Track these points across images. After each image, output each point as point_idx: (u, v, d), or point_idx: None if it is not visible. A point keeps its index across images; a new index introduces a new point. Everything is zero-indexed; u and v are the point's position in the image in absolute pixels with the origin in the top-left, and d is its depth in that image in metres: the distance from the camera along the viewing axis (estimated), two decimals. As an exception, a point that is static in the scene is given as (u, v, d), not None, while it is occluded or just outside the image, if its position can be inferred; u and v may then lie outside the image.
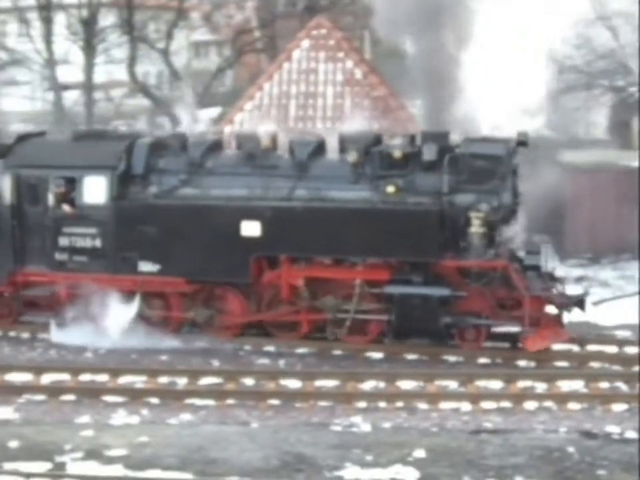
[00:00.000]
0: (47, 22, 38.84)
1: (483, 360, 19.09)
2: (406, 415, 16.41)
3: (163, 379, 18.27)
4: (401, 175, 19.01)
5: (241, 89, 38.12)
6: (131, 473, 14.25)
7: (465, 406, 16.75)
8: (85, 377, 18.42)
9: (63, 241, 20.37)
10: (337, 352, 19.69)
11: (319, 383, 17.75)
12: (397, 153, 18.98)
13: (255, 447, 14.93)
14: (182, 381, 18.16)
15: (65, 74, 39.58)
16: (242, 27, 44.72)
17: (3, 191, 20.69)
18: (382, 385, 17.66)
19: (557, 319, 19.09)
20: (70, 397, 17.50)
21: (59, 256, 20.44)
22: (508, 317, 18.91)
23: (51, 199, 20.36)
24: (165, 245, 19.82)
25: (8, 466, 14.62)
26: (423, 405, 16.80)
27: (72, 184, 20.30)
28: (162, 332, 20.10)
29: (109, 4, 39.65)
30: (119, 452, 14.98)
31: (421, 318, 18.71)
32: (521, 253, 19.53)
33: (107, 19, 40.02)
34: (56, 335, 20.50)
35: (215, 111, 37.24)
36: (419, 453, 14.54)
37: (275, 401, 17.04)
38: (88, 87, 38.99)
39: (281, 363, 19.18)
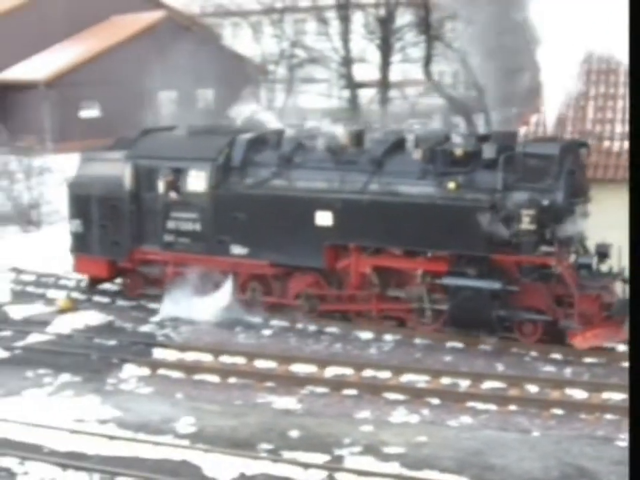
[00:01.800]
0: (345, 21, 39.49)
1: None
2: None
3: (446, 380, 18.04)
4: (462, 172, 19.86)
5: (536, 89, 37.15)
6: (406, 472, 14.13)
7: None
8: (368, 373, 18.50)
9: (171, 224, 22.75)
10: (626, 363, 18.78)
11: (606, 394, 16.95)
12: (459, 151, 19.94)
13: (534, 456, 14.45)
14: (464, 383, 17.86)
15: (361, 72, 40.12)
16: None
17: (124, 179, 23.20)
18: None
19: (617, 318, 18.93)
20: (352, 392, 17.60)
21: (167, 237, 22.85)
22: (563, 313, 19.08)
23: (161, 187, 22.73)
24: (253, 231, 21.81)
25: (287, 455, 14.88)
26: None
27: (179, 174, 22.55)
28: (257, 310, 21.96)
29: (406, 3, 39.81)
30: (397, 450, 14.92)
31: (473, 309, 19.47)
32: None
33: (404, 17, 40.19)
34: (165, 308, 22.42)
35: (510, 112, 36.53)
36: None
37: (558, 411, 16.41)
38: (383, 85, 39.34)
39: (567, 371, 18.47)
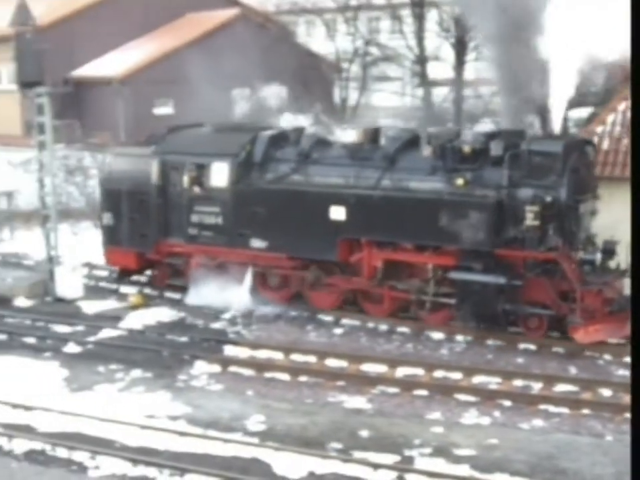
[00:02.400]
0: (419, 19, 39.23)
1: None
2: None
3: (517, 382, 17.85)
4: (471, 168, 20.32)
5: (613, 89, 36.64)
6: (477, 475, 14.00)
7: None
8: (439, 374, 18.38)
9: (194, 218, 23.43)
10: None
11: (683, 399, 16.60)
12: (467, 149, 20.35)
13: (607, 461, 14.25)
14: (537, 386, 17.65)
15: (435, 70, 39.85)
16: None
17: (152, 174, 23.95)
18: None
19: (621, 314, 19.12)
20: (422, 392, 17.49)
21: (191, 230, 23.50)
22: (568, 308, 19.36)
23: (185, 182, 23.41)
24: (271, 225, 22.40)
25: (357, 454, 14.83)
26: None
27: (202, 169, 23.22)
28: (276, 300, 22.85)
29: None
30: (468, 452, 14.80)
31: (479, 303, 19.92)
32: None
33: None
34: (190, 298, 23.36)
35: (585, 111, 36.07)
36: None
37: (632, 415, 16.13)
38: (457, 84, 39.02)
39: (642, 374, 18.13)
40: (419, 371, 18.52)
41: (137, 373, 18.90)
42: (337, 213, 21.55)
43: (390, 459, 14.69)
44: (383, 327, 21.35)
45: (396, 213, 20.91)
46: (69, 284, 24.29)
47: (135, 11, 39.49)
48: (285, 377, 18.54)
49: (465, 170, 20.33)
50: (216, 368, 19.09)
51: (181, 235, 23.70)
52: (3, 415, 16.76)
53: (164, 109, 36.03)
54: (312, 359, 19.44)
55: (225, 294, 22.71)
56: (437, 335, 20.59)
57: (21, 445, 15.51)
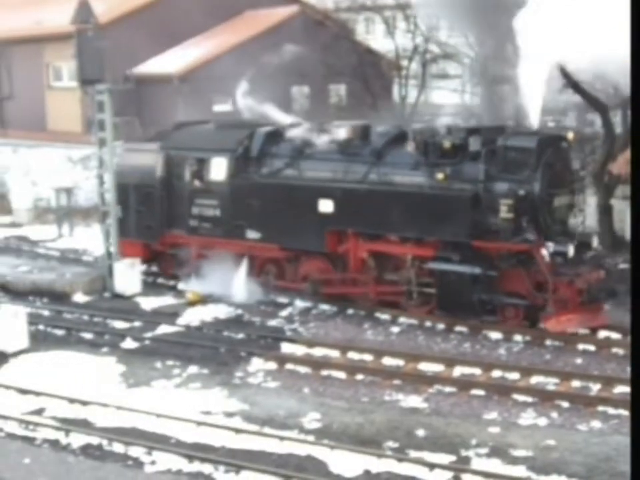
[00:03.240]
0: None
1: None
2: None
3: (576, 383, 17.63)
4: (450, 163, 20.97)
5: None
6: (534, 476, 13.85)
7: None
8: (496, 373, 18.22)
9: (195, 210, 24.42)
10: None
11: None
12: (447, 144, 21.02)
13: (668, 465, 13.95)
14: (595, 387, 17.43)
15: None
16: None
17: (157, 168, 24.98)
18: None
19: (595, 304, 20.22)
20: (479, 392, 17.34)
21: (192, 222, 24.52)
22: (542, 298, 19.94)
23: (187, 175, 24.48)
24: (265, 217, 23.33)
25: (413, 454, 14.75)
26: None
27: (202, 163, 24.25)
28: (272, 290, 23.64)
29: None
30: (524, 453, 14.66)
31: (457, 292, 20.55)
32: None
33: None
34: (192, 287, 24.05)
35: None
36: None
37: (695, 418, 15.85)
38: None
39: None
40: (476, 371, 18.37)
41: (193, 369, 18.97)
42: (325, 205, 22.40)
43: (446, 458, 14.56)
44: (440, 326, 21.22)
45: (381, 206, 21.72)
46: (127, 280, 24.48)
47: (194, 8, 39.62)
48: (341, 375, 18.50)
49: (445, 165, 21.02)
50: (272, 365, 19.10)
51: (183, 227, 24.72)
52: (60, 410, 16.92)
53: (223, 106, 36.12)
54: (368, 357, 19.38)
55: (225, 283, 23.45)
56: (495, 335, 20.41)
57: (77, 440, 15.62)
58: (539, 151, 20.32)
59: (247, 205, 23.56)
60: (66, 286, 24.81)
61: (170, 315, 22.60)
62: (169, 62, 40.04)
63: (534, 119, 20.82)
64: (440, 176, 20.89)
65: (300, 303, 23.07)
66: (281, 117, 25.17)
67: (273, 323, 21.94)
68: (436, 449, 14.95)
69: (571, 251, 20.27)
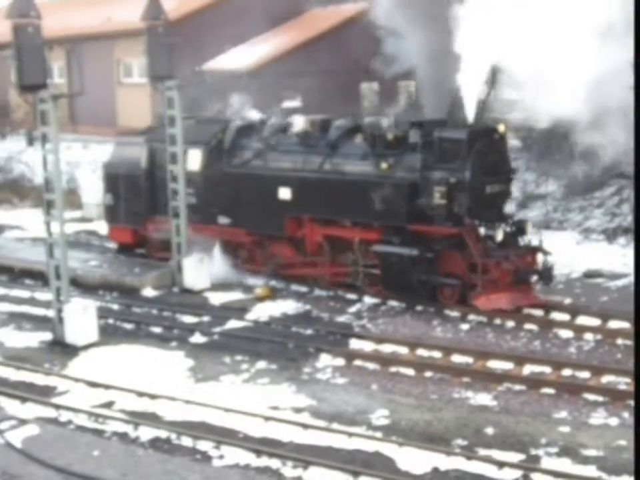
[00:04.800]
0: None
1: None
2: None
3: (648, 382, 17.32)
4: (394, 154, 22.73)
5: None
6: (605, 477, 13.65)
7: None
8: (567, 372, 17.97)
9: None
10: None
11: None
12: (390, 136, 22.82)
13: None
14: (668, 387, 17.10)
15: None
16: None
17: (142, 159, 27.13)
18: None
19: (525, 285, 21.71)
20: (549, 391, 17.12)
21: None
22: (475, 278, 21.38)
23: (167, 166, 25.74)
24: (234, 204, 25.35)
25: (482, 452, 14.62)
26: None
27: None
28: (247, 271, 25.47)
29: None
30: (595, 453, 14.46)
31: (398, 273, 22.21)
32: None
33: None
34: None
35: None
36: None
37: None
38: None
39: None
40: (546, 369, 18.14)
41: (261, 364, 19.00)
42: (284, 193, 24.29)
43: (515, 457, 14.42)
44: (510, 324, 21.01)
45: (333, 193, 23.57)
46: (196, 275, 24.61)
47: (262, 5, 39.76)
48: (409, 371, 18.39)
49: (389, 155, 22.76)
50: (340, 361, 19.04)
51: (165, 213, 25.92)
52: (129, 403, 17.06)
53: (292, 103, 36.20)
54: (437, 354, 19.23)
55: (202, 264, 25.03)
56: (565, 333, 20.13)
57: (146, 433, 15.74)
58: (470, 141, 21.72)
59: (218, 193, 25.58)
60: (135, 280, 25.03)
61: (239, 310, 22.66)
62: (238, 58, 40.17)
63: (470, 113, 22.31)
64: (384, 165, 22.64)
65: (369, 300, 23.01)
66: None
67: (341, 319, 21.90)
68: (505, 447, 14.80)
69: (499, 235, 21.80)
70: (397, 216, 22.40)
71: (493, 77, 40.95)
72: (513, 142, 32.42)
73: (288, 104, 36.47)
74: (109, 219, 28.48)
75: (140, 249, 28.11)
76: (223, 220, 25.69)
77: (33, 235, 31.74)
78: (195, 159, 26.02)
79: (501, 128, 22.25)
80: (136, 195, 27.21)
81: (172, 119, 24.66)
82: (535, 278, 22.03)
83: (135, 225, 27.54)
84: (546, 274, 22.04)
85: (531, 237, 22.42)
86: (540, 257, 22.21)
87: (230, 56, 40.75)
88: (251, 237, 25.31)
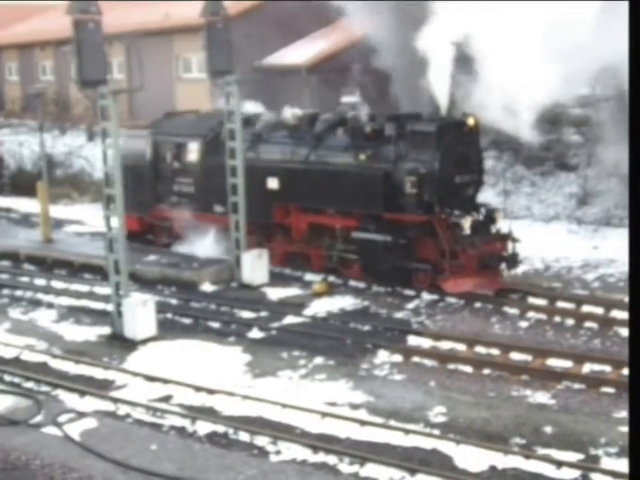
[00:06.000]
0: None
1: None
2: None
3: None
4: (372, 146, 24.10)
5: None
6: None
7: None
8: (627, 371, 17.71)
9: (175, 188, 28.19)
10: None
11: None
12: (368, 129, 24.32)
13: None
14: None
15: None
16: None
17: (147, 151, 28.70)
18: None
19: (490, 270, 22.87)
20: (609, 390, 16.88)
21: (173, 198, 28.19)
22: (445, 264, 22.52)
23: (169, 158, 28.15)
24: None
25: (540, 451, 14.47)
26: None
27: (181, 147, 27.99)
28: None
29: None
30: (655, 454, 14.16)
31: (374, 259, 23.62)
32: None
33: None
34: (176, 248, 27.76)
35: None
36: None
37: None
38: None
39: None
40: (606, 368, 17.88)
41: (319, 360, 18.97)
42: (272, 183, 25.65)
43: (574, 457, 14.21)
44: (570, 322, 20.77)
45: (317, 183, 24.86)
46: (254, 270, 24.66)
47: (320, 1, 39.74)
48: (467, 369, 18.26)
49: (368, 147, 24.10)
50: (398, 358, 18.96)
51: (167, 202, 28.23)
52: (186, 397, 17.12)
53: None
54: (495, 351, 19.07)
55: (199, 247, 26.86)
56: (626, 332, 19.86)
57: (203, 428, 15.78)
58: (439, 134, 22.93)
59: (214, 183, 26.68)
60: (193, 275, 25.13)
61: (296, 306, 22.66)
62: (297, 53, 40.18)
63: (443, 107, 23.53)
64: (362, 157, 23.98)
65: (427, 296, 22.90)
66: None
67: (399, 315, 21.80)
68: (564, 447, 14.60)
69: (467, 222, 22.66)
70: (373, 204, 23.73)
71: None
72: (574, 137, 32.17)
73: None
74: None
75: (147, 235, 29.68)
76: (218, 208, 26.88)
77: (92, 229, 32.03)
78: (193, 151, 27.77)
79: (470, 121, 23.08)
80: (141, 185, 28.44)
81: (231, 114, 24.71)
82: (504, 264, 23.24)
83: (141, 213, 28.91)
84: (512, 260, 23.14)
85: (501, 225, 23.61)
86: (510, 244, 23.38)
87: (289, 51, 40.77)
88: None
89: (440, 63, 22.96)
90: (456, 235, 22.67)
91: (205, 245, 26.96)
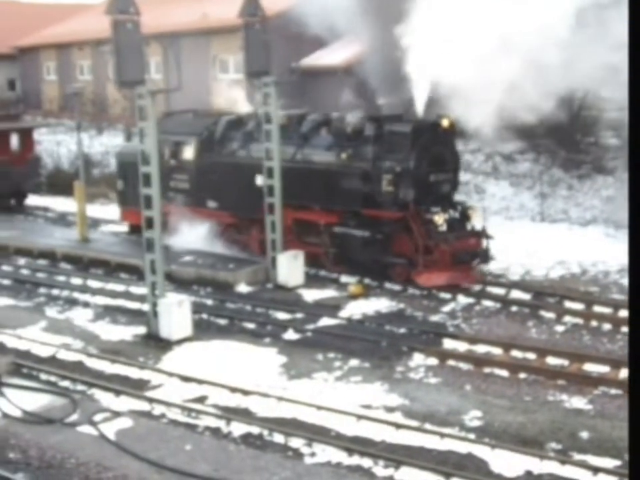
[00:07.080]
0: None
1: None
2: None
3: None
4: (353, 145, 25.19)
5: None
6: None
7: None
8: (665, 377, 17.51)
9: (172, 184, 29.19)
10: None
11: None
12: (349, 129, 25.40)
13: None
14: None
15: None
16: None
17: None
18: None
19: (462, 265, 23.76)
20: (647, 396, 16.70)
21: (170, 193, 28.98)
22: (420, 258, 23.47)
23: (167, 155, 28.90)
24: (221, 190, 28.10)
25: (576, 457, 14.35)
26: None
27: (178, 145, 29.14)
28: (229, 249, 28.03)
29: None
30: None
31: (354, 253, 24.96)
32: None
33: None
34: (172, 242, 27.47)
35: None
36: None
37: None
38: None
39: None
40: (645, 374, 17.73)
41: (354, 362, 18.94)
42: (261, 180, 25.87)
43: (610, 463, 14.07)
44: (607, 326, 20.62)
45: (302, 180, 25.84)
46: (290, 271, 24.67)
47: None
48: (503, 373, 18.15)
49: (349, 146, 25.18)
50: (434, 361, 18.89)
51: (165, 197, 27.58)
52: (221, 398, 17.13)
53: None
54: (532, 355, 18.94)
55: (191, 240, 27.81)
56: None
57: (238, 429, 15.78)
58: (414, 134, 23.91)
59: (208, 180, 28.26)
60: (229, 276, 25.17)
61: (332, 308, 22.65)
62: (334, 54, 40.15)
63: (420, 109, 24.29)
64: (343, 156, 25.07)
65: (463, 299, 22.81)
66: None
67: (435, 318, 21.74)
68: (600, 453, 14.48)
69: (440, 219, 23.69)
70: (353, 201, 24.89)
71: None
72: (612, 141, 31.94)
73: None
74: (121, 203, 31.38)
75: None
76: (212, 204, 28.36)
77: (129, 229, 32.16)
78: (188, 149, 28.95)
79: (445, 123, 23.82)
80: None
81: (268, 115, 24.73)
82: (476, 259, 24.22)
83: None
84: (484, 255, 24.16)
85: (476, 222, 24.57)
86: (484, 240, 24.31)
87: (326, 52, 40.74)
88: (234, 219, 28.13)
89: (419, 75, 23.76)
90: (430, 231, 23.62)
91: (196, 237, 28.02)
